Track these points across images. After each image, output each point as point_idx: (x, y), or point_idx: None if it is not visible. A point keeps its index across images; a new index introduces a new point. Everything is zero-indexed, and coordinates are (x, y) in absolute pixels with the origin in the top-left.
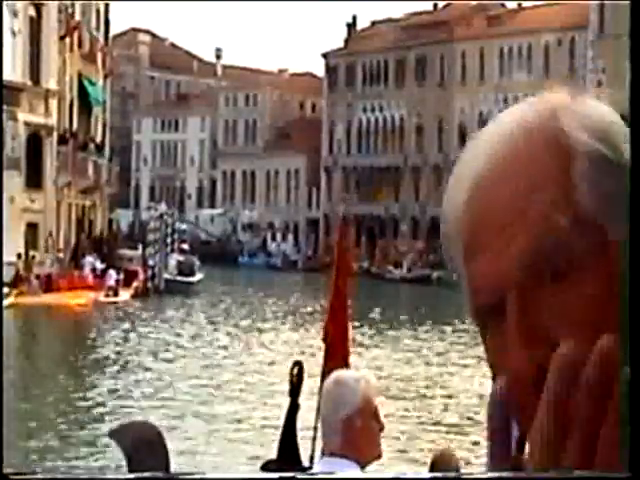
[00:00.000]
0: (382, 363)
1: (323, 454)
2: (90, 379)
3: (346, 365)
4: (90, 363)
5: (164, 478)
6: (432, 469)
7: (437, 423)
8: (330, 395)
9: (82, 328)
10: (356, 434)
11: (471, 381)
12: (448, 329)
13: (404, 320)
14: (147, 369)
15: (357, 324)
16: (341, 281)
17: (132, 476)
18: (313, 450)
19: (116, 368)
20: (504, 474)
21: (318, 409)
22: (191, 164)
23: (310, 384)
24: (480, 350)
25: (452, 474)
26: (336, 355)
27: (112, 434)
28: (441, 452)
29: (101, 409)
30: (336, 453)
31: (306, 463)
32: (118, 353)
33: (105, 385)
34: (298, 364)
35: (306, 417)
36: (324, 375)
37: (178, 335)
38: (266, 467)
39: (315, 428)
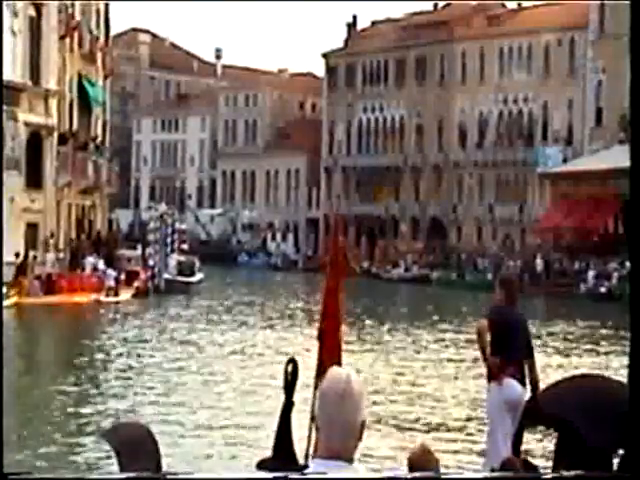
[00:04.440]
0: (374, 363)
1: (317, 455)
2: (90, 379)
3: (339, 364)
4: (90, 363)
5: (155, 477)
6: (410, 468)
7: (427, 425)
8: (351, 395)
9: (83, 328)
10: (361, 438)
11: (463, 382)
12: (443, 329)
13: (400, 320)
14: (148, 368)
15: (353, 323)
16: (335, 280)
17: (124, 476)
18: (308, 447)
19: (117, 368)
20: (498, 474)
21: (312, 406)
22: (191, 164)
23: (304, 381)
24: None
25: (431, 474)
26: (329, 353)
27: (103, 435)
28: (418, 450)
29: (101, 409)
30: (343, 456)
31: (301, 461)
32: (119, 353)
33: (105, 385)
34: (292, 361)
35: (300, 415)
36: (318, 373)
37: (179, 333)
38: (261, 465)
39: (310, 425)
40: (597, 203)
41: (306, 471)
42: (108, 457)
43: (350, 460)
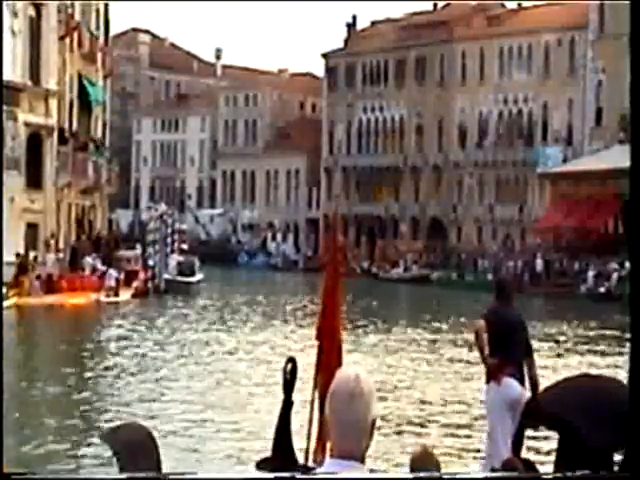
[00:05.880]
0: (372, 363)
1: (331, 455)
2: (90, 379)
3: (339, 363)
4: (90, 363)
5: (156, 478)
6: (412, 469)
7: (427, 425)
8: (361, 395)
9: (83, 328)
10: (372, 437)
11: (463, 382)
12: (443, 329)
13: (400, 320)
14: (148, 368)
15: (352, 324)
16: (334, 279)
17: (126, 476)
18: (308, 446)
19: (117, 368)
20: (497, 474)
21: (312, 406)
22: (191, 164)
23: (303, 381)
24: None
25: (436, 474)
26: (328, 353)
27: (103, 437)
28: (419, 451)
29: (101, 409)
30: (355, 456)
31: (301, 460)
32: (118, 354)
33: (105, 386)
34: (292, 360)
35: (299, 414)
36: (318, 372)
37: (179, 333)
38: (261, 465)
39: (310, 424)
40: (597, 203)
41: (318, 470)
42: (100, 450)
43: (362, 460)
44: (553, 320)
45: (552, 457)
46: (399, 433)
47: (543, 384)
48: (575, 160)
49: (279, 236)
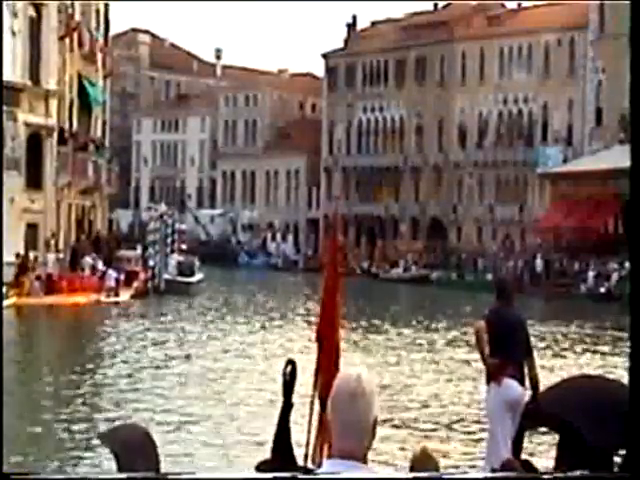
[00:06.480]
0: (371, 363)
1: (331, 455)
2: (90, 380)
3: (337, 364)
4: (90, 363)
5: (156, 478)
6: (411, 469)
7: (426, 425)
8: (363, 395)
9: (83, 328)
10: (374, 436)
11: (462, 383)
12: (442, 329)
13: (399, 321)
14: (147, 369)
15: (351, 324)
16: (333, 280)
17: (125, 476)
18: (307, 448)
19: (116, 369)
20: (498, 475)
21: (311, 407)
22: (191, 164)
23: (303, 383)
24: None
25: (436, 474)
26: (328, 354)
27: (102, 438)
28: (419, 452)
29: (99, 409)
30: (357, 456)
31: (300, 462)
32: (118, 354)
33: (105, 386)
34: (291, 363)
35: (298, 416)
36: (317, 373)
37: (179, 333)
38: (260, 467)
39: (309, 426)
40: (597, 203)
41: (319, 470)
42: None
43: (364, 459)
44: (553, 320)
45: (541, 449)
46: (398, 433)
47: (542, 384)
48: (575, 160)
49: (279, 236)
